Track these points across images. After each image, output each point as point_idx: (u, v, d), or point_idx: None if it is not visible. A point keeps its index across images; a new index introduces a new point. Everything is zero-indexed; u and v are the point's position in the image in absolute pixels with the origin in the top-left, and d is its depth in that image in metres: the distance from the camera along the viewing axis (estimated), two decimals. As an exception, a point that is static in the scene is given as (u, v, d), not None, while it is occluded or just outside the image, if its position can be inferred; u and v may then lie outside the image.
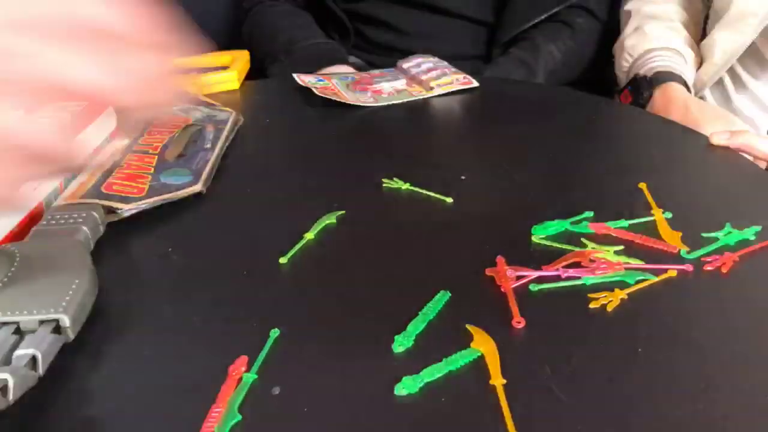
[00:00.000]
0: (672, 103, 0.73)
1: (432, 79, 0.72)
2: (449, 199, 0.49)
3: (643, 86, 0.77)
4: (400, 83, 0.72)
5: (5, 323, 0.34)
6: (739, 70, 0.81)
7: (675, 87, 0.74)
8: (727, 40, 0.77)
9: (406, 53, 0.83)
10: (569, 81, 0.94)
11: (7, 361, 0.32)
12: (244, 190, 0.52)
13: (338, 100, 0.67)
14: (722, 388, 0.32)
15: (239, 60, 0.76)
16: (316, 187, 0.52)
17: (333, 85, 0.70)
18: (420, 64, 0.77)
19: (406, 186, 0.51)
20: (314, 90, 0.67)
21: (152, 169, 0.51)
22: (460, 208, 0.49)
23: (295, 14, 0.98)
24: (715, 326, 0.37)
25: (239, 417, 0.31)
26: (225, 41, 1.07)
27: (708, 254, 0.42)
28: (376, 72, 0.77)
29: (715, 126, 0.64)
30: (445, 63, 0.77)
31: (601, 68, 0.98)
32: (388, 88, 0.71)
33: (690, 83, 0.78)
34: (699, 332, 0.36)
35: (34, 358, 0.33)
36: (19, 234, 0.44)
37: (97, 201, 0.46)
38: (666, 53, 0.80)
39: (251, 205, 0.50)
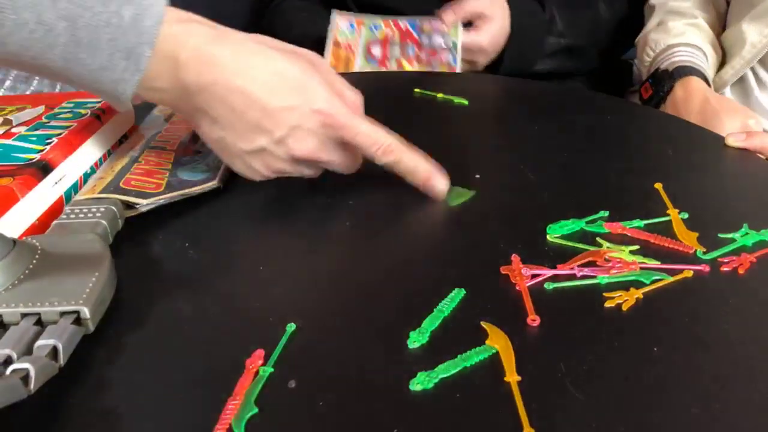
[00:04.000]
0: (692, 96, 0.73)
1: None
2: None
3: (664, 79, 0.77)
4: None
5: (27, 314, 0.35)
6: (759, 68, 0.81)
7: (695, 81, 0.75)
8: (757, 34, 0.77)
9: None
10: (609, 49, 0.94)
11: (29, 351, 0.33)
12: (260, 186, 0.52)
13: (346, 72, 0.67)
14: (738, 388, 0.32)
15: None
16: (331, 183, 0.52)
17: (352, 47, 0.71)
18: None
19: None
20: None
21: (170, 165, 0.51)
22: (475, 206, 0.49)
23: (310, 9, 0.98)
24: (732, 327, 0.36)
25: (256, 409, 0.31)
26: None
27: (725, 255, 0.42)
28: (406, 24, 0.77)
29: (734, 118, 0.64)
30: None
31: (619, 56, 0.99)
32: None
33: (710, 79, 0.78)
34: (715, 333, 0.36)
35: (55, 349, 0.33)
36: (39, 227, 0.45)
37: (115, 196, 0.46)
38: (687, 49, 0.80)
39: (267, 200, 0.50)
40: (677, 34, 0.82)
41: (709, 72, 0.79)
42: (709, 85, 0.76)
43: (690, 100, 0.73)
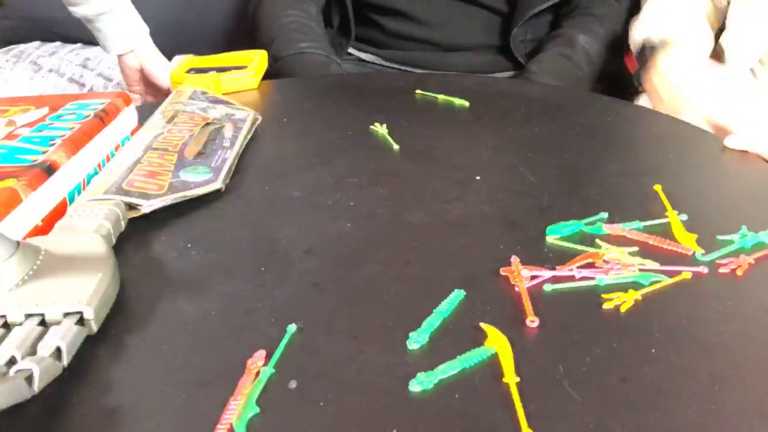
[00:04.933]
0: (656, 72, 0.73)
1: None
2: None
3: (646, 50, 0.77)
4: None
5: (31, 315, 0.35)
6: (759, 69, 0.81)
7: (666, 55, 0.74)
8: (756, 35, 0.77)
9: (421, 43, 0.80)
10: (606, 70, 0.94)
11: (33, 351, 0.33)
12: (262, 188, 0.53)
13: None
14: (735, 389, 0.33)
15: (258, 60, 0.77)
16: (333, 185, 0.53)
17: None
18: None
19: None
20: None
21: (172, 166, 0.52)
22: (475, 208, 0.49)
23: (290, 13, 0.95)
24: (729, 329, 0.37)
25: (257, 410, 0.32)
26: (243, 39, 1.08)
27: (723, 257, 0.42)
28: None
29: (695, 114, 0.64)
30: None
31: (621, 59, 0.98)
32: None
33: (699, 48, 0.77)
34: (712, 334, 0.36)
35: (58, 349, 0.33)
36: (43, 229, 0.45)
37: (118, 197, 0.47)
38: (678, 20, 0.78)
39: (269, 202, 0.51)
40: (670, 13, 0.81)
41: (699, 41, 0.78)
42: (697, 55, 0.75)
43: (661, 86, 0.72)
